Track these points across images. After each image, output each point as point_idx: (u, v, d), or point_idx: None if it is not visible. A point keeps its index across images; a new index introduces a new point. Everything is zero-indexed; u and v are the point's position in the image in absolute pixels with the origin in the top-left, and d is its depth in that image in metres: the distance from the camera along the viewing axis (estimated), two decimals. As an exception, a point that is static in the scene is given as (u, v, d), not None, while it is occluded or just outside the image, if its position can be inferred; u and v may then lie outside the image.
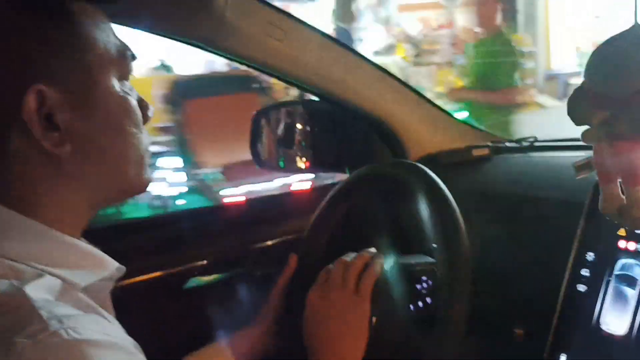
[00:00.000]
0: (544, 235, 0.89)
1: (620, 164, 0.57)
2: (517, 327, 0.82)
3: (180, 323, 1.16)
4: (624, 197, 0.58)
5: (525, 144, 1.16)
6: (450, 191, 0.82)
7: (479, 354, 0.89)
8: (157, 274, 1.14)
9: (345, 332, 0.80)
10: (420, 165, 0.86)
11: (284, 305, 0.97)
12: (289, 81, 1.14)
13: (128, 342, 0.52)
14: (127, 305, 0.68)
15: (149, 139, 0.64)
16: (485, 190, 1.03)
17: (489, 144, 1.17)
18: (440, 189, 0.81)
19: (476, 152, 1.15)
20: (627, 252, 0.73)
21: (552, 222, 0.88)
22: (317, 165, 1.32)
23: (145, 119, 0.64)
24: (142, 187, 0.63)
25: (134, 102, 0.61)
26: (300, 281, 0.96)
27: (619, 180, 0.59)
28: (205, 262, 1.17)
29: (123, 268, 0.62)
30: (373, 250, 0.87)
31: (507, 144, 1.18)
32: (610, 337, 0.71)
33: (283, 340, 0.97)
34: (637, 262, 0.71)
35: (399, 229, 1.02)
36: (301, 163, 1.35)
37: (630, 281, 0.71)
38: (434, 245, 0.86)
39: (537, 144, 1.15)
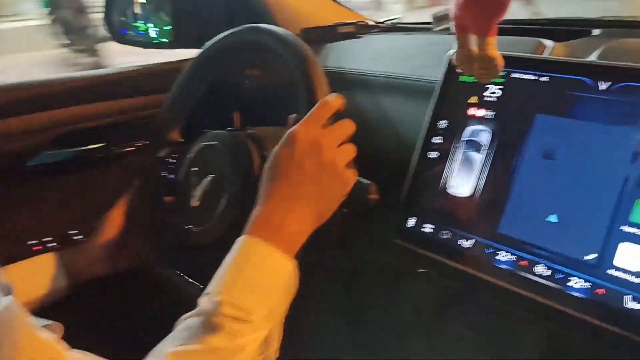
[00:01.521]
0: (406, 109, 0.90)
1: (474, 15, 0.57)
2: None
3: (23, 208, 1.06)
4: (476, 49, 0.59)
5: (389, 24, 1.16)
6: None
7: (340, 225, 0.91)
8: None
9: (320, 194, 0.65)
10: (280, 28, 0.79)
11: (128, 222, 0.88)
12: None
13: None
14: None
15: None
16: (348, 67, 1.02)
17: (356, 22, 1.16)
18: (304, 53, 0.73)
19: (343, 29, 1.12)
20: (475, 119, 0.76)
21: (412, 96, 0.90)
22: (178, 40, 1.23)
23: None
24: None
25: None
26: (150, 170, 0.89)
27: (473, 33, 0.59)
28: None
29: None
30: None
31: (373, 23, 1.17)
32: (456, 199, 0.76)
33: (123, 262, 0.89)
34: (483, 127, 0.75)
35: (264, 99, 0.98)
36: (161, 38, 1.25)
37: (477, 146, 0.75)
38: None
39: (400, 25, 1.15)
